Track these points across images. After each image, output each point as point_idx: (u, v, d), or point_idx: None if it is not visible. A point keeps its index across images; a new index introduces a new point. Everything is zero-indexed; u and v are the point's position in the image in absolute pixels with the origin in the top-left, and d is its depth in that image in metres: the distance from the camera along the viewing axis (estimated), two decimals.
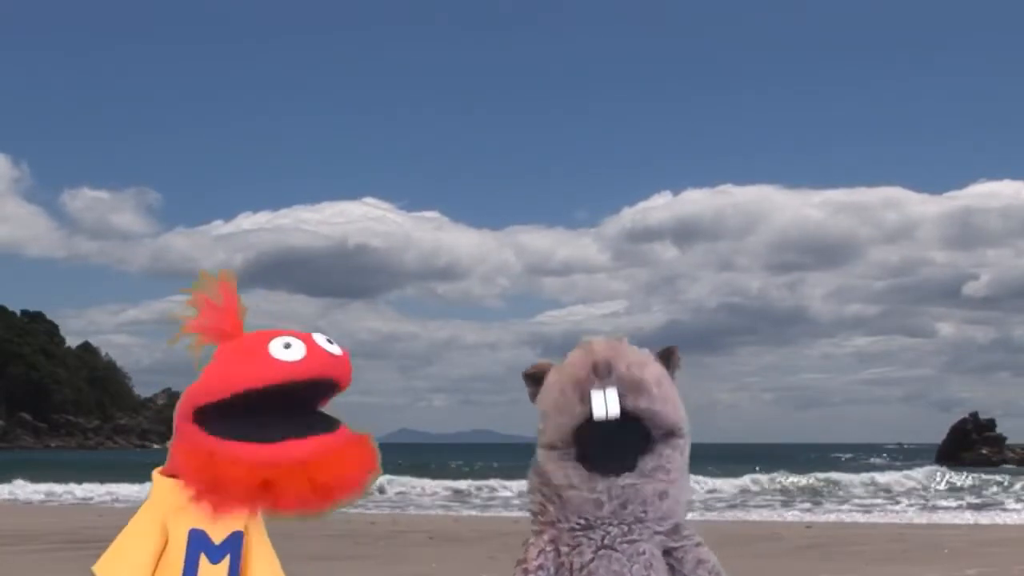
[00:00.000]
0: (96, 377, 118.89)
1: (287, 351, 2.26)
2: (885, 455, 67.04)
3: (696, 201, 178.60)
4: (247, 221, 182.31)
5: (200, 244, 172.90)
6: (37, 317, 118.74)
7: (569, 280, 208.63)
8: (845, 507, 24.30)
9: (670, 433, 2.46)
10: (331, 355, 2.30)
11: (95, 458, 63.00)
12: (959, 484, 29.04)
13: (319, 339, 2.31)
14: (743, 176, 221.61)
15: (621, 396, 2.40)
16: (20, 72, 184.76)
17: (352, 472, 2.29)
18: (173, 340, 2.40)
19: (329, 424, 2.33)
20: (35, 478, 30.44)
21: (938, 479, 31.39)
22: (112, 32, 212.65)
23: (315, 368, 2.27)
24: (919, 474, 33.31)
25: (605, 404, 2.39)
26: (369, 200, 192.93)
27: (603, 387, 2.40)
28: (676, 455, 2.47)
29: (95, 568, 2.23)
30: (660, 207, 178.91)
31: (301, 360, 2.25)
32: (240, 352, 2.30)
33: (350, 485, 2.29)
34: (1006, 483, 31.07)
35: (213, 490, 2.23)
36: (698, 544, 2.52)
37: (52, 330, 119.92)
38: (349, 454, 2.30)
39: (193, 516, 2.25)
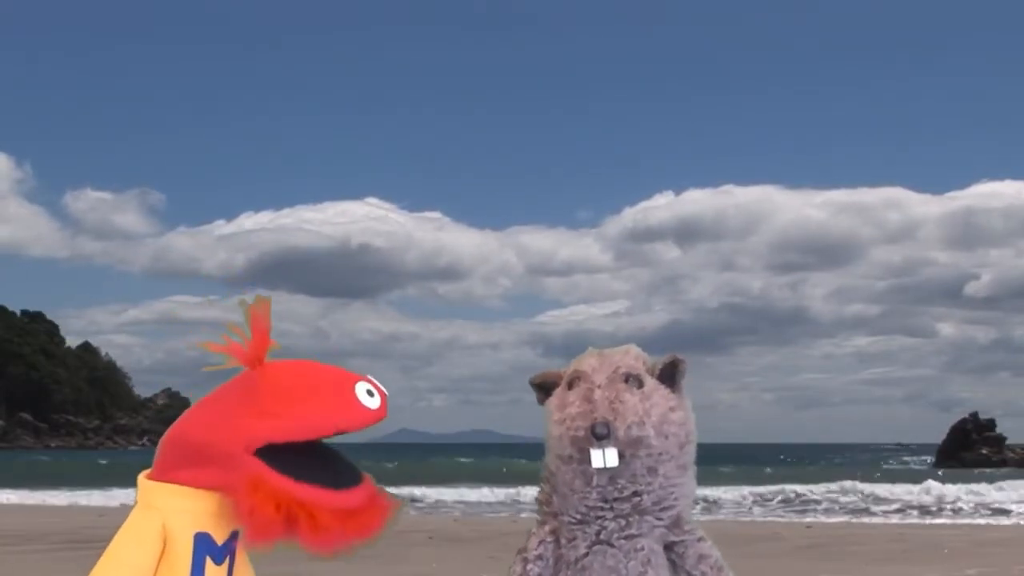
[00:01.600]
0: (96, 377, 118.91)
1: (371, 399, 2.26)
2: (892, 462, 66.97)
3: (698, 201, 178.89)
4: (249, 221, 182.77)
5: (202, 244, 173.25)
6: (37, 317, 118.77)
7: (571, 280, 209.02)
8: (845, 507, 24.30)
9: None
10: (382, 408, 2.30)
11: (95, 458, 63.00)
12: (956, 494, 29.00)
13: (369, 388, 2.32)
14: (745, 176, 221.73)
15: (620, 453, 2.43)
16: (23, 73, 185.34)
17: (379, 523, 2.30)
18: (208, 367, 2.31)
19: (357, 471, 2.33)
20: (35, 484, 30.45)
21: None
22: (114, 32, 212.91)
23: (381, 418, 2.30)
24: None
25: (604, 458, 2.42)
26: (371, 200, 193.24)
27: (602, 448, 2.42)
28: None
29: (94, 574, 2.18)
30: (662, 207, 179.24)
31: (379, 409, 2.27)
32: (326, 394, 2.24)
33: (372, 534, 2.29)
34: (1006, 483, 31.04)
35: (288, 528, 2.19)
36: (700, 539, 2.51)
37: (52, 330, 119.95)
38: (384, 506, 2.31)
39: (197, 519, 2.24)
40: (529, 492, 26.14)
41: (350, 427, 2.22)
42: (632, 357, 2.56)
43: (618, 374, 2.49)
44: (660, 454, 2.45)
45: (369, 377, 2.32)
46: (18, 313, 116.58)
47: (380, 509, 2.29)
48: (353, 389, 2.24)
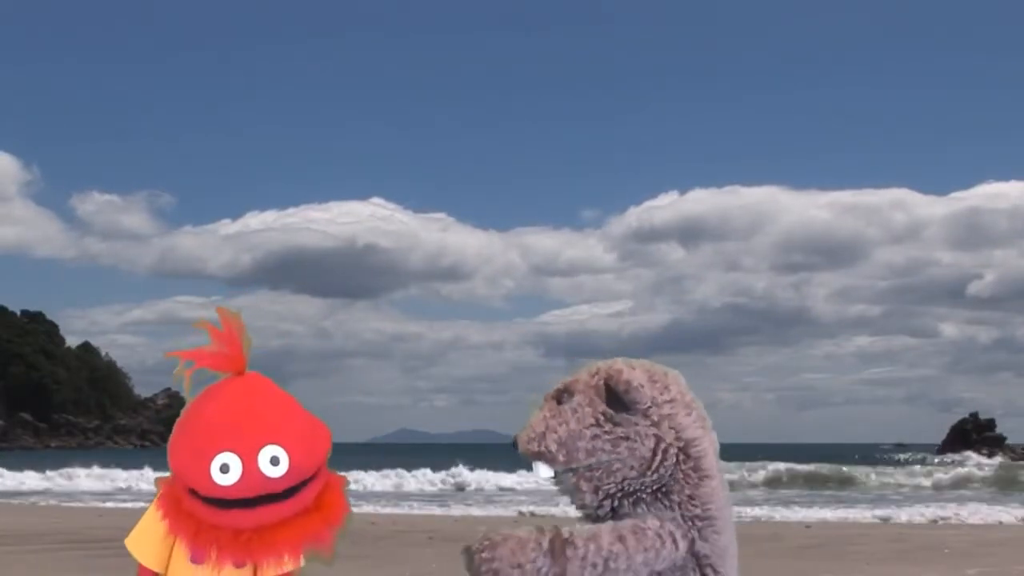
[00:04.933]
0: (96, 377, 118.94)
1: (223, 475, 2.37)
2: (893, 461, 66.99)
3: (702, 201, 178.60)
4: (255, 220, 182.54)
5: (208, 244, 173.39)
6: (37, 317, 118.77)
7: (575, 281, 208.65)
8: (845, 507, 24.29)
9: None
10: (268, 480, 2.38)
11: (95, 458, 62.89)
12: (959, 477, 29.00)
13: (263, 458, 2.39)
14: (750, 177, 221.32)
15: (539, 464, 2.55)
16: (31, 76, 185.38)
17: (297, 538, 2.42)
18: (179, 371, 2.48)
19: (287, 494, 2.43)
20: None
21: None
22: (121, 36, 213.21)
23: (251, 490, 2.38)
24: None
25: (537, 470, 2.56)
26: (377, 200, 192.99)
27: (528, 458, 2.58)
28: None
29: (126, 541, 2.52)
30: (666, 207, 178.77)
31: (235, 486, 2.37)
32: (188, 455, 2.42)
33: (303, 544, 2.43)
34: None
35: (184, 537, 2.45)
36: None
37: (52, 330, 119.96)
38: (295, 527, 2.42)
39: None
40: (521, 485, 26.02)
41: (202, 491, 2.39)
42: (589, 373, 2.57)
43: (556, 391, 2.57)
44: (568, 470, 2.50)
45: (265, 441, 2.40)
46: (18, 313, 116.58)
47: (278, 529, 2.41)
48: (209, 461, 2.38)
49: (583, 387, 2.53)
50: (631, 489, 2.48)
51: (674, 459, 2.48)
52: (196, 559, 2.43)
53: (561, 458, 2.49)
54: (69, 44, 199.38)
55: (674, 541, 2.45)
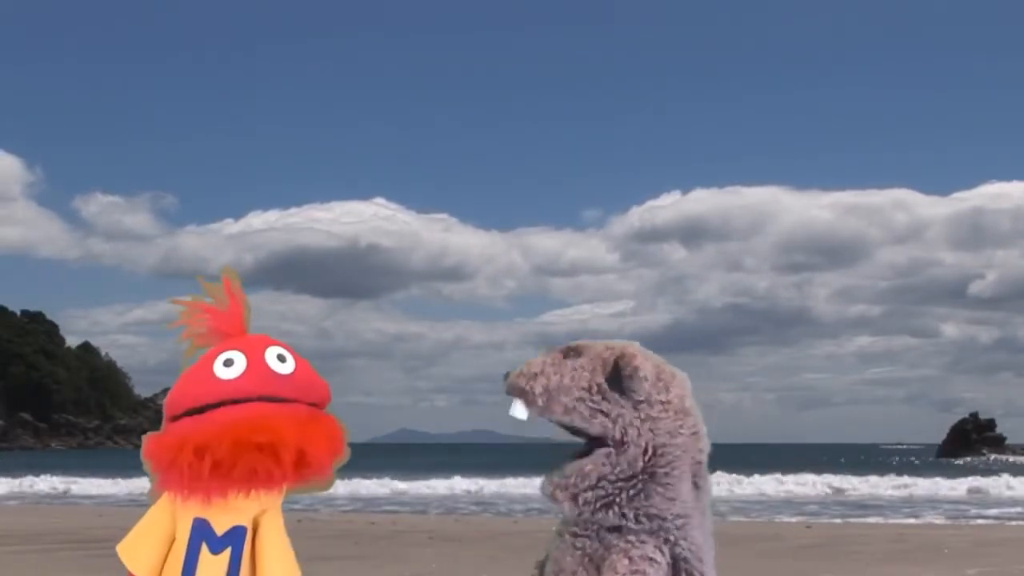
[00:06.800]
0: (96, 377, 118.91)
1: (227, 369, 2.25)
2: (893, 461, 66.97)
3: (704, 202, 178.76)
4: (257, 220, 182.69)
5: (210, 243, 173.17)
6: (37, 317, 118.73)
7: (577, 281, 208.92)
8: (845, 507, 24.29)
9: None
10: (275, 374, 2.27)
11: (95, 458, 63.00)
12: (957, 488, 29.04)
13: (269, 354, 2.29)
14: (751, 177, 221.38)
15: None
16: (34, 77, 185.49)
17: (294, 435, 2.22)
18: (180, 340, 2.40)
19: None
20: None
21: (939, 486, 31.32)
22: (123, 38, 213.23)
23: (255, 387, 2.25)
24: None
25: (514, 409, 2.58)
26: (379, 200, 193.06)
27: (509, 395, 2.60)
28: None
29: (117, 548, 2.40)
30: (668, 207, 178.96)
31: (239, 378, 2.25)
32: (190, 369, 2.32)
33: (296, 446, 2.21)
34: (1006, 483, 31.04)
35: (166, 476, 2.27)
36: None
37: (52, 330, 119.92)
38: (290, 416, 2.24)
39: (198, 505, 2.31)
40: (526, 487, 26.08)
41: (198, 399, 2.24)
42: (604, 345, 2.60)
43: (567, 346, 2.60)
44: (546, 417, 2.54)
45: (270, 342, 2.30)
46: (18, 313, 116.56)
47: (282, 422, 2.21)
48: (212, 361, 2.26)
49: (593, 354, 2.57)
50: (606, 493, 2.49)
51: (643, 450, 2.49)
52: (197, 491, 2.23)
53: (540, 403, 2.53)
54: (71, 45, 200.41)
55: (656, 562, 2.47)
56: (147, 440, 2.33)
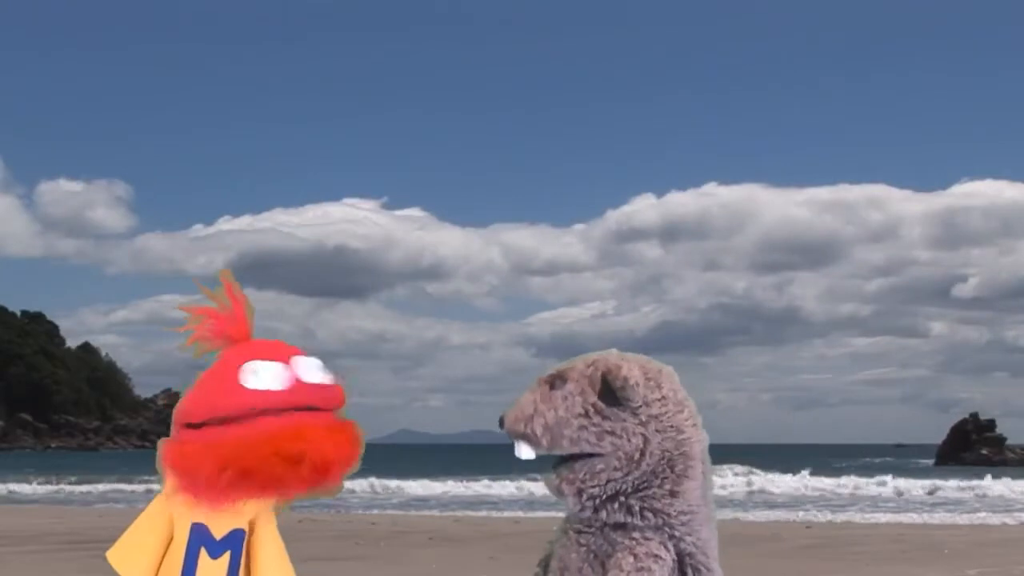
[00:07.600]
0: (96, 378, 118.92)
1: (256, 378, 2.18)
2: (893, 462, 66.96)
3: (681, 200, 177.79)
4: (228, 225, 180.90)
5: (179, 245, 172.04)
6: (37, 318, 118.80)
7: (556, 279, 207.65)
8: (845, 507, 24.31)
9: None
10: (308, 384, 2.21)
11: (95, 459, 63.00)
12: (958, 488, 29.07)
13: (305, 364, 2.23)
14: (728, 175, 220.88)
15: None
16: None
17: (330, 446, 2.19)
18: (183, 347, 2.35)
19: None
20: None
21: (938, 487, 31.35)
22: (91, 36, 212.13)
23: (292, 398, 2.19)
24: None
25: (519, 451, 2.56)
26: (351, 200, 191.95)
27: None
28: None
29: (108, 555, 2.30)
30: (645, 207, 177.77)
31: (275, 390, 2.18)
32: (210, 377, 2.26)
33: (324, 456, 2.17)
34: (1006, 484, 31.04)
35: (189, 483, 2.21)
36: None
37: (52, 331, 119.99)
38: (324, 426, 2.21)
39: (196, 510, 2.26)
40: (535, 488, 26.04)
41: (232, 409, 2.18)
42: (584, 363, 2.57)
43: (549, 375, 2.56)
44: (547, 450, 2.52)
45: (295, 351, 2.24)
46: (18, 314, 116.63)
47: (313, 432, 2.16)
48: (238, 370, 2.19)
49: (577, 376, 2.53)
50: (614, 491, 2.48)
51: (659, 457, 2.48)
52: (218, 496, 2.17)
53: (545, 443, 2.50)
54: (54, 40, 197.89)
55: (661, 559, 2.45)
56: (165, 447, 2.28)
